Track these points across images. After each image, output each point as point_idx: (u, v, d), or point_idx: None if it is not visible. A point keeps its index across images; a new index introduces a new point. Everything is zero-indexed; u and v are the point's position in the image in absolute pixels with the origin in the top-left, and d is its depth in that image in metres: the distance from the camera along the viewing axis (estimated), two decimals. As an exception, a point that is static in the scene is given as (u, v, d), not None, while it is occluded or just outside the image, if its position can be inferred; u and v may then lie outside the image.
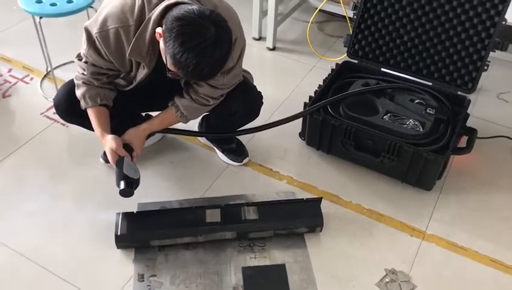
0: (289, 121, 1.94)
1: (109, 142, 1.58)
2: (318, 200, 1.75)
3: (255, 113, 1.81)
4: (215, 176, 1.96)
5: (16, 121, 2.22)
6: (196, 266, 1.64)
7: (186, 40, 1.28)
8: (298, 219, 1.70)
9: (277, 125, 1.92)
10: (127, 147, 1.62)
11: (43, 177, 1.94)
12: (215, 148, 2.04)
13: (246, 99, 1.72)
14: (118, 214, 1.67)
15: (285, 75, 2.55)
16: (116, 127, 1.69)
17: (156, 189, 1.88)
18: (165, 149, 2.07)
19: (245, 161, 2.01)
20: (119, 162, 1.56)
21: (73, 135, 2.11)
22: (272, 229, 1.70)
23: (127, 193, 1.55)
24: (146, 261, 1.65)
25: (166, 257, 1.67)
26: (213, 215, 1.69)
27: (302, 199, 1.76)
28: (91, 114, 1.63)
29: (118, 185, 1.56)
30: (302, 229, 1.72)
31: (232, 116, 1.77)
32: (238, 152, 2.01)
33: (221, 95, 1.66)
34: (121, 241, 1.64)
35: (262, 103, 1.80)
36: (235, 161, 2.00)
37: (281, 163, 2.04)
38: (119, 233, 1.63)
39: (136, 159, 1.65)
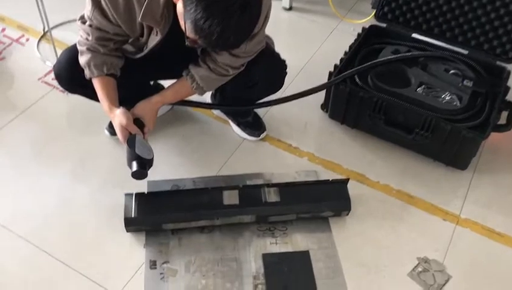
0: (313, 93, 1.80)
1: (118, 117, 1.45)
2: (345, 182, 1.64)
3: (278, 85, 1.67)
4: (230, 152, 1.85)
5: (11, 87, 2.07)
6: (212, 252, 1.55)
7: (210, 4, 1.12)
8: (323, 202, 1.60)
9: (299, 98, 1.79)
10: (138, 122, 1.49)
11: (42, 151, 1.82)
12: (230, 121, 1.92)
13: (268, 69, 1.58)
14: (128, 195, 1.56)
15: (303, 38, 2.39)
16: (123, 98, 1.55)
17: (167, 165, 1.76)
18: (175, 121, 1.94)
19: (262, 135, 1.88)
20: (131, 141, 1.44)
21: (74, 103, 1.98)
22: (294, 213, 1.59)
23: (140, 175, 1.44)
24: (158, 245, 1.56)
25: (179, 241, 1.57)
26: (231, 197, 1.58)
27: (328, 180, 1.65)
28: (97, 85, 1.50)
29: (130, 166, 1.44)
30: (328, 213, 1.61)
31: (252, 88, 1.63)
32: (254, 126, 1.89)
33: (242, 65, 1.52)
34: (131, 225, 1.54)
35: (286, 73, 1.66)
36: (251, 136, 1.88)
37: (301, 138, 1.92)
38: (129, 216, 1.52)
39: (148, 136, 1.52)
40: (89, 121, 1.90)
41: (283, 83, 1.67)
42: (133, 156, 1.43)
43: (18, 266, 1.50)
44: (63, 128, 1.90)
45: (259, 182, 1.73)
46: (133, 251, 1.55)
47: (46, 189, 1.69)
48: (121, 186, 1.64)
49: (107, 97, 1.49)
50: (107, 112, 1.49)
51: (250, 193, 1.59)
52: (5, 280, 1.46)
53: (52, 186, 1.70)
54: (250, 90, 1.65)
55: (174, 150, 1.84)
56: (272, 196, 1.59)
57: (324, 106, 1.98)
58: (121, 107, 1.48)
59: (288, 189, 1.61)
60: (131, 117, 1.47)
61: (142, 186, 1.64)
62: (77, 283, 1.46)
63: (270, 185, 1.61)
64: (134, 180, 1.48)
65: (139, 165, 1.42)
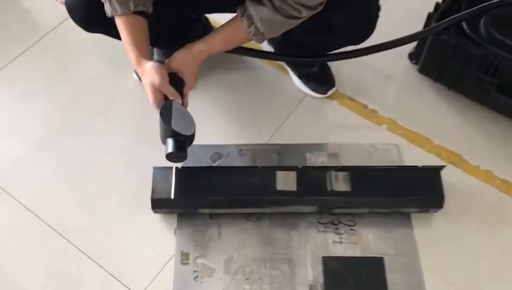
0: (403, 44, 1.42)
1: (150, 74, 1.14)
2: (438, 170, 1.31)
3: (366, 34, 1.30)
4: (287, 111, 1.53)
5: (23, 9, 1.78)
6: (259, 248, 1.29)
7: None
8: (408, 197, 1.28)
9: (384, 50, 1.41)
10: (175, 80, 1.17)
11: (55, 95, 1.56)
12: (289, 70, 1.57)
13: (356, 11, 1.22)
14: (157, 169, 1.30)
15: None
16: (156, 38, 1.24)
17: (208, 124, 1.46)
18: (220, 66, 1.61)
19: (330, 92, 1.54)
20: (166, 110, 1.13)
21: (97, 35, 1.67)
22: (367, 208, 1.30)
23: (177, 157, 1.16)
24: (193, 233, 1.31)
25: (219, 229, 1.32)
26: (286, 181, 1.29)
27: (416, 166, 1.32)
28: (121, 26, 1.17)
29: (164, 143, 1.16)
30: (412, 209, 1.30)
31: (329, 36, 1.28)
32: (321, 79, 1.54)
33: (320, 3, 1.14)
34: (160, 207, 1.30)
35: (378, 17, 1.28)
36: (316, 92, 1.54)
37: (380, 97, 1.57)
38: (158, 196, 1.27)
39: (187, 100, 1.22)
40: (115, 60, 1.61)
41: (373, 31, 1.30)
42: (168, 131, 1.13)
43: (21, 246, 1.30)
44: (82, 67, 1.62)
45: (323, 155, 1.43)
46: (162, 237, 1.31)
47: (58, 147, 1.45)
48: (149, 147, 1.38)
49: (134, 45, 1.17)
50: (135, 65, 1.19)
51: (312, 176, 1.30)
52: (6, 262, 1.27)
53: (66, 144, 1.45)
54: (326, 38, 1.29)
55: (217, 105, 1.54)
56: (340, 184, 1.29)
57: (414, 56, 1.60)
58: (153, 61, 1.16)
59: (362, 175, 1.30)
60: (167, 74, 1.15)
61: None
62: (91, 274, 1.25)
63: (338, 169, 1.30)
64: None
65: (177, 145, 1.13)
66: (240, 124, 1.50)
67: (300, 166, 1.31)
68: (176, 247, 1.29)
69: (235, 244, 1.29)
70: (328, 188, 1.27)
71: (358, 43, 1.33)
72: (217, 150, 1.44)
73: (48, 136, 1.47)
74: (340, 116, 1.53)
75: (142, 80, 1.17)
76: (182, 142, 1.13)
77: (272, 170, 1.29)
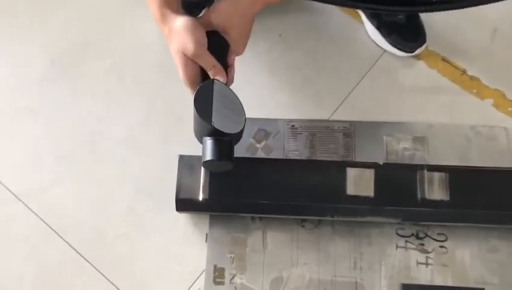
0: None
1: (179, 36, 0.84)
2: None
3: None
4: (357, 74, 1.22)
5: None
6: (318, 267, 1.04)
7: None
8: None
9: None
10: (216, 43, 0.86)
11: (50, 37, 1.27)
12: (364, 17, 1.26)
13: None
14: (185, 158, 1.04)
15: None
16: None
17: (249, 90, 1.17)
18: (267, 8, 1.29)
19: (419, 50, 1.22)
20: (203, 96, 0.84)
21: None
22: (470, 223, 1.03)
23: (219, 166, 0.91)
24: (230, 241, 1.07)
25: (264, 236, 1.07)
26: (361, 183, 1.01)
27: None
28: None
29: (200, 140, 0.90)
30: (527, 225, 1.03)
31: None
32: (408, 31, 1.22)
33: None
34: (187, 209, 1.04)
35: None
36: (400, 49, 1.22)
37: (484, 60, 1.25)
38: (184, 196, 1.02)
39: (233, 74, 0.92)
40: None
41: None
42: (207, 129, 0.85)
43: (8, 245, 1.08)
44: (87, 7, 1.31)
45: (406, 140, 1.14)
46: (189, 244, 1.07)
47: (53, 113, 1.19)
48: (176, 122, 1.14)
49: None
50: (158, 21, 0.89)
51: (396, 178, 1.02)
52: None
53: (70, 110, 1.19)
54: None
55: (263, 63, 1.24)
56: (435, 190, 1.01)
57: (535, 4, 1.25)
58: (185, 15, 0.86)
59: (465, 178, 1.01)
60: (204, 36, 0.85)
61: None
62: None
63: (432, 168, 1.02)
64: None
65: (219, 151, 0.86)
66: (293, 91, 1.21)
67: (380, 162, 1.02)
68: (207, 259, 1.05)
69: (285, 259, 1.05)
70: (419, 195, 1.00)
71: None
72: (263, 126, 1.16)
73: (40, 97, 1.20)
74: (429, 84, 1.22)
75: (168, 43, 0.87)
76: (227, 145, 0.86)
77: (341, 167, 1.02)
